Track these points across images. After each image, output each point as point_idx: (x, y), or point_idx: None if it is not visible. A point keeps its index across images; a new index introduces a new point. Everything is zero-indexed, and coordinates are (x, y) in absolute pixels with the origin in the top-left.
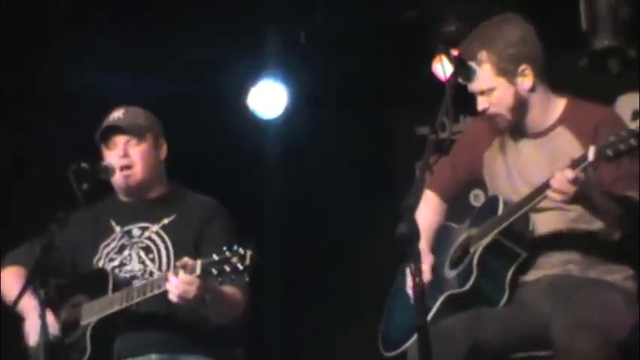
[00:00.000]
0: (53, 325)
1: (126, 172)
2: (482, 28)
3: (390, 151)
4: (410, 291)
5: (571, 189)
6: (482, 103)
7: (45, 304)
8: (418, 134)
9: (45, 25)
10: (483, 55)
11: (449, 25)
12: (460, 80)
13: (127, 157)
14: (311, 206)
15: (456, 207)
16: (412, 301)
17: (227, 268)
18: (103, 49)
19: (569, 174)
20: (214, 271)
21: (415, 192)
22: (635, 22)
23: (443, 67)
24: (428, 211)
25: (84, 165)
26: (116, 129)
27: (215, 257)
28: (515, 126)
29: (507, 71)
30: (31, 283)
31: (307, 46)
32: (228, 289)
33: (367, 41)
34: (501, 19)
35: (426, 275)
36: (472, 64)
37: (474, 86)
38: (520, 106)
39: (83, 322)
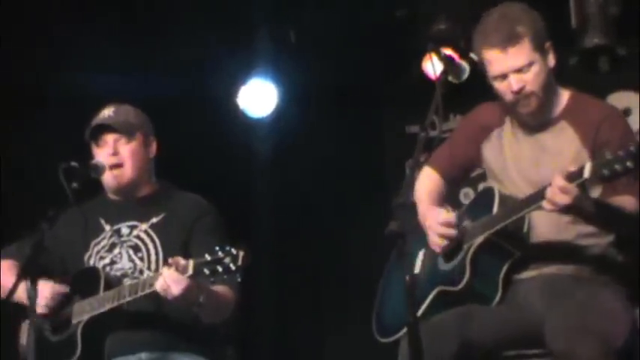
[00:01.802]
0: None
1: (115, 172)
2: (502, 8)
3: (381, 150)
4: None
5: (565, 200)
6: (518, 82)
7: (34, 302)
8: (408, 133)
9: (35, 25)
10: (521, 29)
11: (439, 24)
12: (450, 78)
13: (116, 156)
14: (301, 205)
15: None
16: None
17: (219, 269)
18: (93, 48)
19: (563, 184)
20: (207, 271)
21: (406, 190)
22: (625, 19)
23: (433, 66)
24: (427, 181)
25: (74, 164)
26: (106, 127)
27: (207, 257)
28: (541, 110)
29: (541, 46)
30: (22, 279)
31: (297, 45)
32: (220, 289)
33: (357, 40)
34: (508, 4)
35: (450, 230)
36: (491, 52)
37: (512, 61)
38: (550, 84)
39: (74, 321)
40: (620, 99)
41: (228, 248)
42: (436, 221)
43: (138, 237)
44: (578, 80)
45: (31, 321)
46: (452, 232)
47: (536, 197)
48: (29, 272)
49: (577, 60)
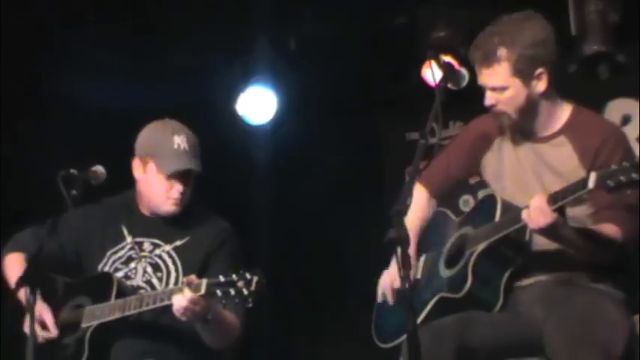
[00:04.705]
0: (52, 326)
1: (177, 202)
2: (503, 23)
3: (380, 157)
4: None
5: (547, 218)
6: (490, 99)
7: (33, 310)
8: (408, 140)
9: (34, 33)
10: (503, 52)
11: (439, 31)
12: (450, 86)
13: (183, 195)
14: (301, 212)
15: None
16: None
17: (232, 292)
18: (92, 56)
19: (544, 203)
20: (219, 292)
21: (404, 198)
22: (624, 27)
23: (432, 73)
24: (415, 205)
25: (73, 171)
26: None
27: (221, 279)
28: (518, 127)
29: (524, 73)
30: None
31: (297, 52)
32: (228, 314)
33: (357, 47)
34: (524, 17)
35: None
36: (493, 61)
37: (487, 80)
38: (529, 108)
39: (83, 325)
40: (619, 106)
41: (242, 272)
42: (384, 281)
43: (160, 256)
44: (578, 87)
45: (30, 329)
46: (390, 298)
47: None
48: (28, 284)
49: (577, 67)
